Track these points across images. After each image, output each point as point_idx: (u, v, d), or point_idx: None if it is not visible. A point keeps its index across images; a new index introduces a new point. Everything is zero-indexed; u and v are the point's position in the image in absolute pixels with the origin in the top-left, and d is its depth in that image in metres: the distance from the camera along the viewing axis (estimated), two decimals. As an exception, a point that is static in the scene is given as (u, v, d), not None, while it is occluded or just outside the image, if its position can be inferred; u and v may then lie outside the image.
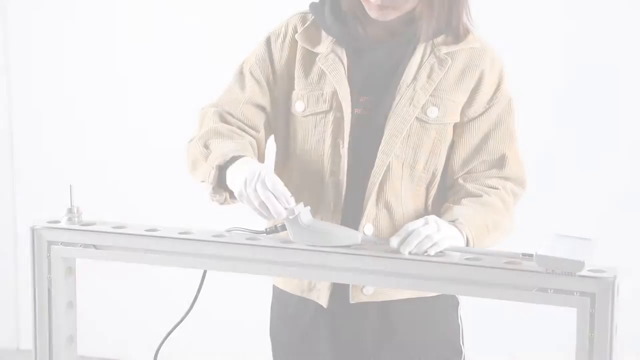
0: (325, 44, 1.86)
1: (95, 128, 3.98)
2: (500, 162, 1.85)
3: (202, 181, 1.77)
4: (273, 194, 1.63)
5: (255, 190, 1.64)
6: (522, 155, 1.90)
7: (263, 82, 1.90)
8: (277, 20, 1.97)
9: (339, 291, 1.85)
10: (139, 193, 3.94)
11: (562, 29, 3.38)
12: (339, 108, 1.82)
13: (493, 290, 1.46)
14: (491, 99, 1.85)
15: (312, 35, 1.88)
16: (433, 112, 1.81)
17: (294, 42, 1.89)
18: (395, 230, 1.72)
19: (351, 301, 1.84)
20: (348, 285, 1.82)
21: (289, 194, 1.65)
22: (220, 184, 1.73)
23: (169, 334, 1.79)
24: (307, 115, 1.86)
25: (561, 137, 3.42)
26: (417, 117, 1.80)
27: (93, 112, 3.98)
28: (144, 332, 4.06)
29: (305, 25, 1.89)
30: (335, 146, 1.82)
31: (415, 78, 1.81)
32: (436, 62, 1.82)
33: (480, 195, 1.80)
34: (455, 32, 1.83)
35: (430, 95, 1.81)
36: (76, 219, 1.65)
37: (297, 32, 1.89)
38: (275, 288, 1.98)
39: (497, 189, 1.82)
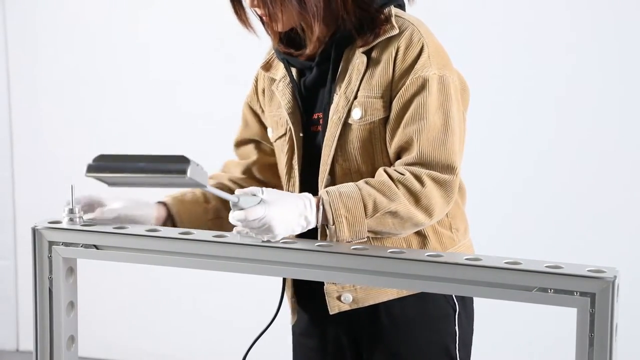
0: (281, 70, 1.90)
1: (95, 128, 3.98)
2: (409, 145, 1.73)
3: None
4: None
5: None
6: (449, 138, 1.73)
7: (251, 116, 2.00)
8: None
9: (320, 304, 1.86)
10: (139, 194, 3.94)
11: (563, 28, 3.39)
12: (292, 131, 1.85)
13: (493, 291, 1.46)
14: (404, 79, 1.75)
15: (275, 62, 1.93)
16: (357, 114, 1.78)
17: None
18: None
19: (331, 312, 1.85)
20: (324, 301, 1.84)
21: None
22: None
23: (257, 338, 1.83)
24: (275, 140, 1.92)
25: (561, 136, 3.43)
26: (344, 122, 1.79)
27: (93, 112, 3.99)
28: (144, 332, 4.07)
29: (271, 53, 1.94)
30: (291, 168, 1.86)
31: (341, 85, 1.80)
32: (357, 63, 1.79)
33: (375, 177, 1.72)
34: (369, 28, 1.78)
35: (354, 97, 1.78)
36: (77, 219, 1.65)
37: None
38: None
39: (403, 174, 1.70)
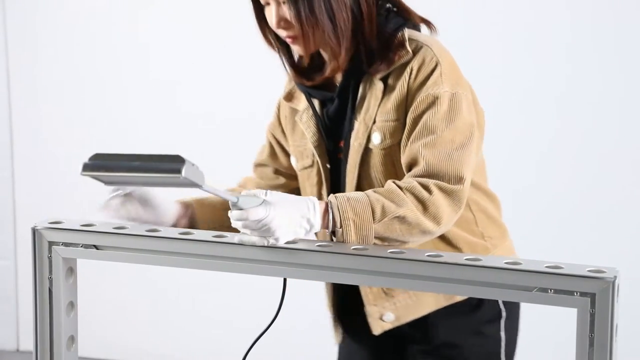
0: (303, 101, 1.91)
1: (95, 128, 3.98)
2: (417, 159, 1.74)
3: None
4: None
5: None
6: (457, 152, 1.74)
7: (274, 144, 2.02)
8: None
9: (362, 326, 1.89)
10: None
11: (563, 28, 3.39)
12: (319, 164, 1.87)
13: (493, 291, 1.46)
14: (416, 96, 1.76)
15: (297, 93, 1.94)
16: (377, 138, 1.80)
17: None
18: None
19: (374, 333, 1.88)
20: (366, 320, 1.87)
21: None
22: None
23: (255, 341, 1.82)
24: (300, 170, 1.94)
25: (561, 137, 3.43)
26: (365, 147, 1.81)
27: (93, 112, 3.99)
28: (144, 332, 4.07)
29: (292, 83, 1.95)
30: (321, 198, 1.87)
31: (361, 112, 1.82)
32: (375, 90, 1.80)
33: (384, 187, 1.72)
34: (380, 56, 1.79)
35: (373, 122, 1.80)
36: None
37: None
38: None
39: (410, 183, 1.70)
